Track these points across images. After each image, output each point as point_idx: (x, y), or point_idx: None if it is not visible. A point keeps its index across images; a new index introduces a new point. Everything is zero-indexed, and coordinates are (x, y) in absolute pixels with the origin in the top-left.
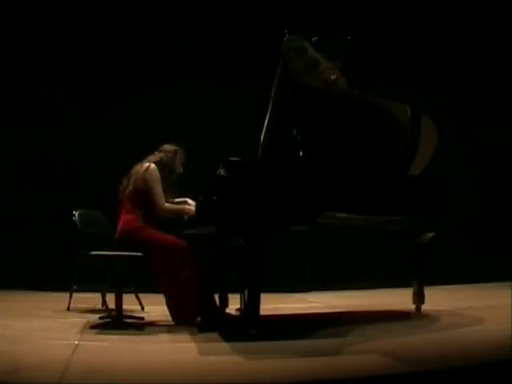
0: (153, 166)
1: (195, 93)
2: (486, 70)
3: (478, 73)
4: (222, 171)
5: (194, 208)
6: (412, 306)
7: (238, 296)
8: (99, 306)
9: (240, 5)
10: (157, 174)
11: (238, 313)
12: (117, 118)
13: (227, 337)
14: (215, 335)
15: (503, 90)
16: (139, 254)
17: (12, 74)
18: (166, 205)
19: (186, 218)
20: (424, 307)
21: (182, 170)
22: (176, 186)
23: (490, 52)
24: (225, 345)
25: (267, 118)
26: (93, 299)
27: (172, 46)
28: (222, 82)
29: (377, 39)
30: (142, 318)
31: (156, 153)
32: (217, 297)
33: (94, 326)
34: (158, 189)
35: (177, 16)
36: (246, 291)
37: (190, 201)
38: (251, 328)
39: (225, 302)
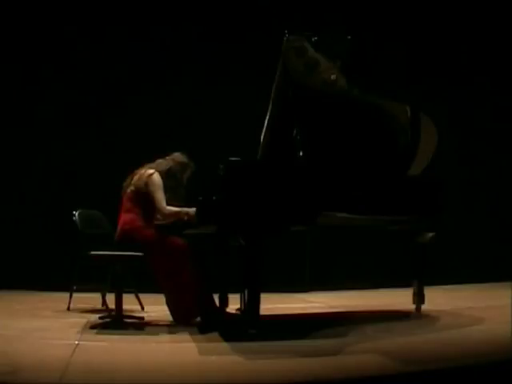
0: (156, 174)
1: (195, 93)
2: (485, 70)
3: (477, 72)
4: (221, 171)
5: (194, 209)
6: (412, 306)
7: (238, 296)
8: (99, 306)
9: (240, 5)
10: (159, 181)
11: (238, 313)
12: (117, 117)
13: (227, 337)
14: (215, 335)
15: (503, 89)
16: (139, 253)
17: (13, 74)
18: (168, 207)
19: (186, 218)
20: (424, 307)
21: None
22: (183, 200)
23: (490, 52)
24: (225, 345)
25: (267, 117)
26: (93, 299)
27: (173, 45)
28: (222, 82)
29: (377, 39)
30: (142, 318)
31: (167, 158)
32: (217, 297)
33: (93, 326)
34: (160, 193)
35: (178, 17)
36: (246, 291)
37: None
38: (251, 328)
39: (225, 302)
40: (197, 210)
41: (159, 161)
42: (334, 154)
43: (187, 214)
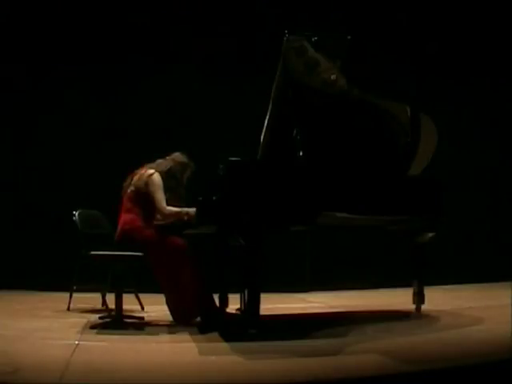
0: (156, 174)
1: (195, 93)
2: (485, 70)
3: (476, 72)
4: (222, 171)
5: (194, 209)
6: (412, 306)
7: (238, 296)
8: (99, 306)
9: (240, 4)
10: (159, 181)
11: (238, 313)
12: (117, 117)
13: (227, 337)
14: (215, 335)
15: (504, 89)
16: (139, 253)
17: (15, 74)
18: (168, 208)
19: (186, 218)
20: (424, 307)
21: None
22: (183, 200)
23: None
24: (225, 345)
25: (267, 117)
26: (93, 299)
27: (173, 45)
28: (222, 82)
29: (377, 39)
30: (142, 318)
31: (167, 158)
32: (217, 297)
33: (93, 326)
34: (160, 194)
35: (178, 14)
36: (246, 291)
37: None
38: (251, 328)
39: (225, 302)
40: (197, 210)
41: (159, 161)
42: (334, 154)
43: (187, 214)
